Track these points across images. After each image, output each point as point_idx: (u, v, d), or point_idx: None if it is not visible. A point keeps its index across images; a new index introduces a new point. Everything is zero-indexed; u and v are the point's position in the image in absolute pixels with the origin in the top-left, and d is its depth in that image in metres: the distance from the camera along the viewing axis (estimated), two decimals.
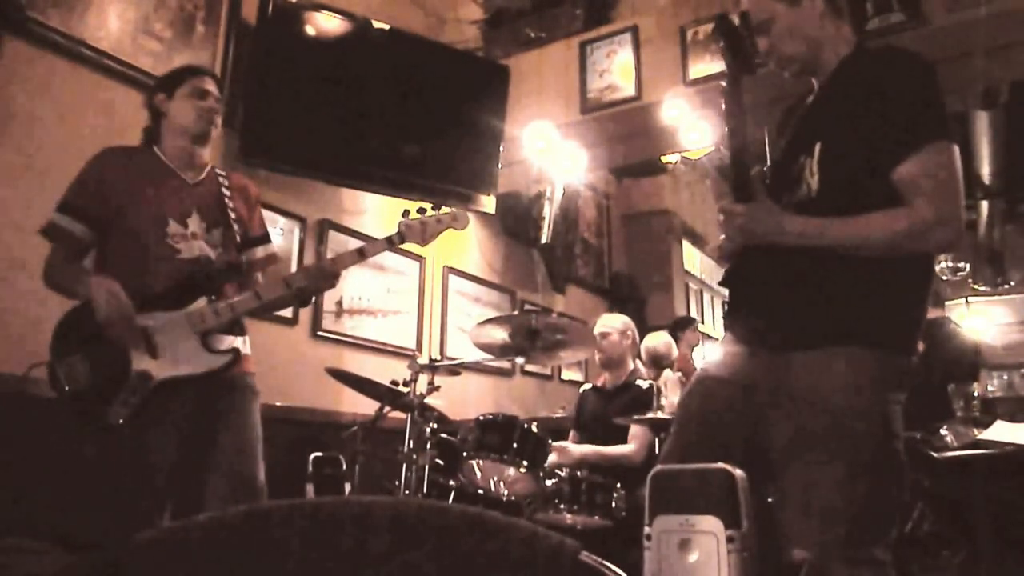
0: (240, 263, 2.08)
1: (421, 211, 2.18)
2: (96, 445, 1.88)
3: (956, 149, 1.39)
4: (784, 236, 1.45)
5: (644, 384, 3.35)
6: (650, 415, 2.90)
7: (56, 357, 1.85)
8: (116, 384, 1.82)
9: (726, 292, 1.69)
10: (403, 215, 2.17)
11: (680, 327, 5.32)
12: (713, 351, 1.67)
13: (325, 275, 2.03)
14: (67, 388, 1.82)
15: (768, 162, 1.69)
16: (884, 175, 1.40)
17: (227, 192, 2.09)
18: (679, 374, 4.06)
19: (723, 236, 1.66)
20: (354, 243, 3.85)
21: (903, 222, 1.38)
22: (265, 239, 2.20)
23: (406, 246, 2.24)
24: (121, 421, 1.79)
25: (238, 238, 2.08)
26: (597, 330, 3.44)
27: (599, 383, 3.55)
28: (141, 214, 1.93)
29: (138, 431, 1.82)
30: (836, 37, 1.57)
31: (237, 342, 1.99)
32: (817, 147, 1.48)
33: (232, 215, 2.07)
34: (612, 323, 3.51)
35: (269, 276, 2.18)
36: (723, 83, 1.53)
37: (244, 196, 2.16)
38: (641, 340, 3.86)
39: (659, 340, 4.25)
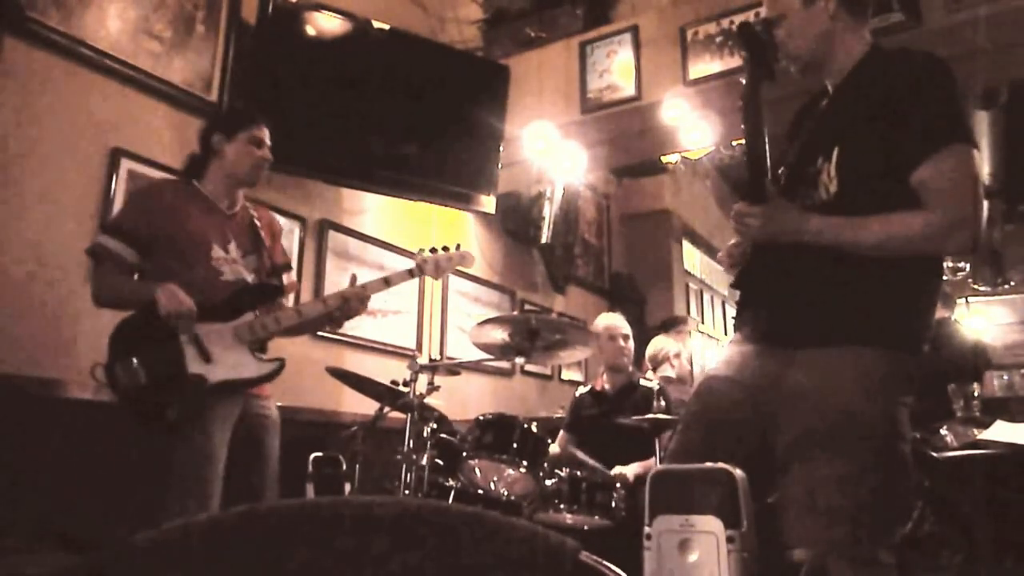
0: (280, 287, 2.28)
1: (433, 250, 2.42)
2: (162, 444, 1.96)
3: (975, 152, 1.39)
4: (801, 235, 1.45)
5: (650, 384, 3.35)
6: (650, 415, 2.90)
7: (114, 359, 1.96)
8: (172, 386, 1.95)
9: (737, 295, 1.68)
10: (417, 252, 2.41)
11: (668, 327, 5.28)
12: (719, 351, 1.68)
13: (359, 298, 2.22)
14: (127, 387, 1.94)
15: (769, 165, 1.69)
16: (903, 178, 1.40)
17: (258, 223, 2.27)
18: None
19: (733, 241, 1.65)
20: (353, 243, 3.87)
21: (921, 224, 1.38)
22: (287, 267, 2.39)
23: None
24: (177, 419, 1.92)
25: (268, 266, 2.26)
26: (619, 332, 3.43)
27: (598, 386, 3.53)
28: (187, 240, 2.09)
29: (204, 429, 1.95)
30: (850, 38, 1.56)
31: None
32: (835, 151, 1.48)
33: (262, 245, 2.25)
34: (624, 325, 3.50)
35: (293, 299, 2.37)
36: (743, 90, 1.53)
37: (270, 228, 2.35)
38: (639, 340, 3.85)
39: (661, 343, 4.27)
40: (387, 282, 2.29)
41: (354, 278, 2.25)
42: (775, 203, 1.48)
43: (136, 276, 2.11)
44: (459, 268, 2.54)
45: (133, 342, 1.97)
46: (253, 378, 2.06)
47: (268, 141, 2.26)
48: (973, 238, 1.38)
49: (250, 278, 2.18)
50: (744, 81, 1.52)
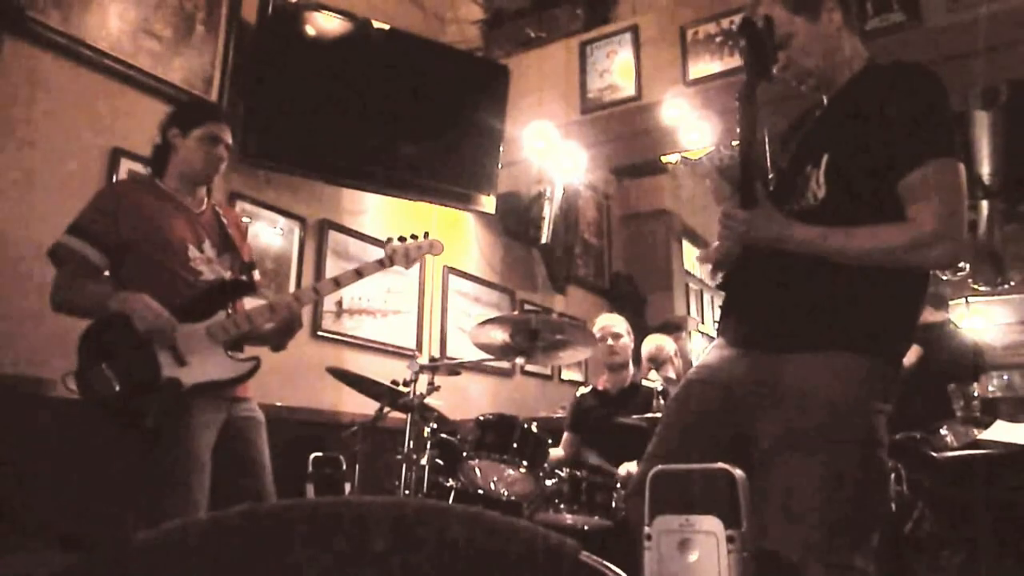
0: (252, 283, 2.21)
1: (402, 239, 2.37)
2: (143, 448, 1.90)
3: (962, 167, 1.40)
4: (785, 243, 1.46)
5: (651, 385, 3.34)
6: (649, 415, 2.91)
7: (85, 366, 1.89)
8: (147, 391, 1.88)
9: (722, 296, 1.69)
10: (386, 241, 2.36)
11: (668, 331, 5.28)
12: (704, 354, 1.68)
13: (330, 291, 2.19)
14: (100, 394, 1.86)
15: (769, 165, 1.70)
16: (889, 188, 1.41)
17: (224, 221, 2.21)
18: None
19: (718, 241, 1.66)
20: (354, 243, 3.87)
21: (904, 235, 1.39)
22: (253, 266, 2.33)
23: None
24: (157, 425, 1.86)
25: (240, 263, 2.21)
26: (609, 331, 3.43)
27: (600, 386, 3.53)
28: (164, 243, 2.02)
29: (188, 434, 1.90)
30: (851, 51, 1.58)
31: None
32: (824, 159, 1.49)
33: (234, 242, 2.19)
34: (619, 324, 3.50)
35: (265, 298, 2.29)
36: (739, 90, 1.52)
37: (237, 227, 2.29)
38: (640, 341, 3.86)
39: (662, 342, 4.27)
40: (359, 273, 2.21)
41: (321, 254, 2.24)
42: (763, 209, 1.49)
43: (109, 278, 2.03)
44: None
45: (103, 347, 1.89)
46: (229, 379, 1.99)
47: (228, 139, 2.14)
48: (956, 251, 1.39)
49: (227, 276, 2.12)
50: (743, 79, 1.52)
